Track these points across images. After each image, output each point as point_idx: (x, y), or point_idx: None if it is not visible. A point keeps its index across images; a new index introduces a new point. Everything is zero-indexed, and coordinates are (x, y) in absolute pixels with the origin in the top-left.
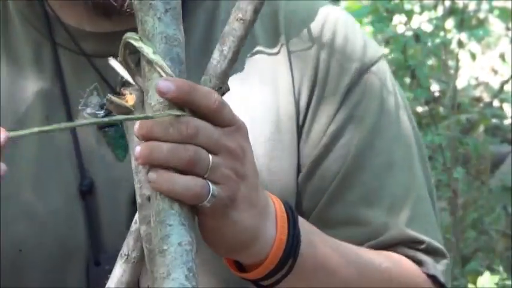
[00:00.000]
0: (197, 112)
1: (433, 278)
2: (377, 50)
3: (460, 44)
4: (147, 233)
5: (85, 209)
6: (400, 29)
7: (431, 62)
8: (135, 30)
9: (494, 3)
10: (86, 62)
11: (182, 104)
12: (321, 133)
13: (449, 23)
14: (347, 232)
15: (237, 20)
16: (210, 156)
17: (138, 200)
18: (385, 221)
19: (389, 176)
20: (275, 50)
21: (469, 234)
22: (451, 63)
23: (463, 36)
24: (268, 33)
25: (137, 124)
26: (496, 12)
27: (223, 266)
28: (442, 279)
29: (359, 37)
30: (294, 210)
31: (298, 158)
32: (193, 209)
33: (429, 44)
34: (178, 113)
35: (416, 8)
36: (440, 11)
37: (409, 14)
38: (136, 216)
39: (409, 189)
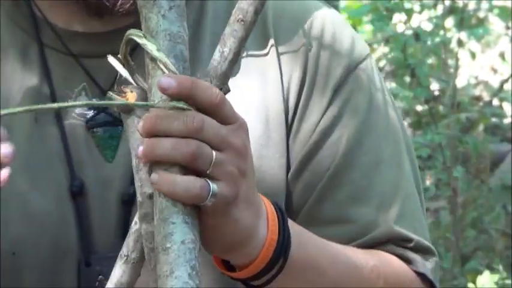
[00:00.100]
0: (200, 108)
1: (422, 275)
2: (365, 47)
3: (460, 43)
4: (148, 232)
5: (76, 210)
6: (400, 28)
7: (431, 60)
8: (124, 29)
9: (494, 2)
10: (74, 62)
11: (184, 99)
12: (310, 131)
13: (449, 22)
14: (336, 230)
15: (237, 21)
16: (214, 152)
17: (139, 198)
18: (374, 218)
19: (378, 174)
20: (264, 48)
21: (468, 233)
22: (450, 62)
23: (463, 35)
24: (256, 31)
25: (142, 121)
26: (496, 11)
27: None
28: (430, 277)
29: (347, 35)
30: (284, 210)
31: (287, 157)
32: (197, 207)
33: (429, 42)
34: (182, 105)
35: (416, 7)
36: (440, 9)
37: (409, 12)
38: (136, 216)
39: (397, 186)
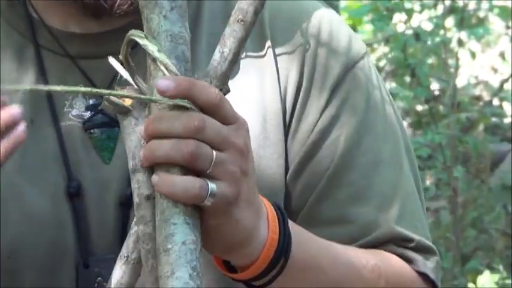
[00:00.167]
0: (200, 108)
1: (423, 275)
2: (362, 46)
3: (460, 43)
4: (145, 233)
5: (73, 211)
6: (400, 28)
7: (431, 60)
8: (121, 30)
9: (494, 2)
10: (71, 63)
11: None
12: (308, 131)
13: (449, 22)
14: (336, 230)
15: (237, 21)
16: (214, 152)
17: (136, 199)
18: (374, 218)
19: (377, 174)
20: (260, 49)
21: (469, 233)
22: (451, 61)
23: (463, 35)
24: (254, 33)
25: (143, 124)
26: (496, 10)
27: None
28: (432, 276)
29: (344, 33)
30: (284, 211)
31: (286, 158)
32: (197, 208)
33: (429, 42)
34: (185, 103)
35: (417, 7)
36: (440, 9)
37: (409, 12)
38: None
39: (397, 186)
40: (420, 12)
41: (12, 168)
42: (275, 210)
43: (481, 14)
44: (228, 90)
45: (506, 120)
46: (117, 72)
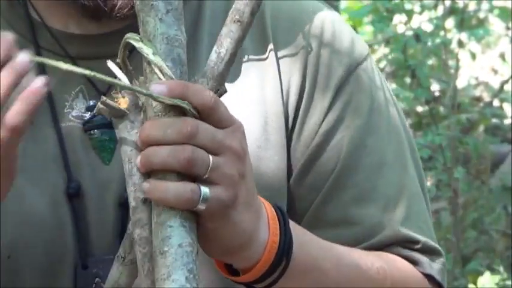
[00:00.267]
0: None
1: (429, 277)
2: (364, 47)
3: (460, 44)
4: (141, 237)
5: (72, 212)
6: (401, 29)
7: (431, 61)
8: (121, 31)
9: (494, 3)
10: (71, 64)
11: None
12: (312, 133)
13: (450, 23)
14: (341, 232)
15: (234, 21)
16: (211, 157)
17: (132, 203)
18: (380, 220)
19: (382, 175)
20: (262, 51)
21: (469, 234)
22: (451, 63)
23: (463, 36)
24: (255, 34)
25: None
26: (496, 11)
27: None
28: (438, 278)
29: (346, 35)
30: (285, 212)
31: (288, 161)
32: (194, 211)
33: (429, 43)
34: (183, 105)
35: (417, 8)
36: (440, 10)
37: (410, 13)
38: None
39: (402, 187)
40: (420, 13)
41: None
42: (276, 211)
43: (481, 15)
44: (225, 91)
45: (507, 122)
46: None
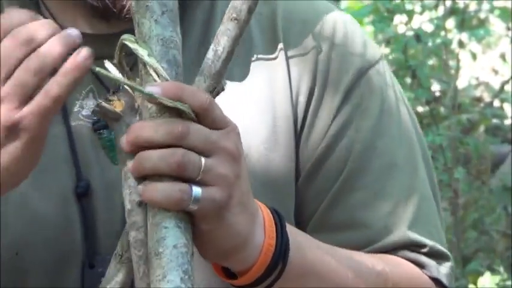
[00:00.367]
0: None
1: (436, 281)
2: (377, 50)
3: (461, 44)
4: (137, 239)
5: (81, 211)
6: (401, 29)
7: (432, 62)
8: (132, 31)
9: (495, 3)
10: None
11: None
12: (321, 135)
13: (450, 23)
14: (348, 235)
15: (231, 19)
16: (203, 159)
17: (128, 206)
18: (387, 224)
19: (391, 178)
20: (272, 52)
21: (469, 234)
22: (451, 63)
23: (464, 36)
24: (265, 35)
25: (125, 136)
26: (497, 12)
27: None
28: (445, 281)
29: (358, 38)
30: (282, 216)
31: (296, 162)
32: (189, 212)
33: (430, 44)
34: (182, 107)
35: (417, 8)
36: (441, 11)
37: (410, 14)
38: None
39: (412, 190)
40: (421, 13)
41: None
42: (273, 215)
43: (482, 15)
44: (223, 89)
45: (507, 122)
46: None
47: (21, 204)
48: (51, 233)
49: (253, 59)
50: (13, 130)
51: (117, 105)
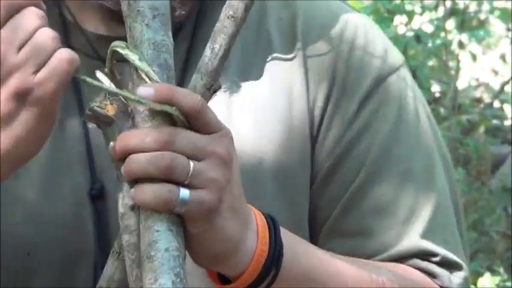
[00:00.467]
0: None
1: None
2: (397, 56)
3: (461, 45)
4: (130, 243)
5: (95, 213)
6: (401, 30)
7: (432, 62)
8: None
9: (495, 4)
10: (101, 66)
11: None
12: (336, 141)
13: (450, 24)
14: (359, 243)
15: (228, 17)
16: (191, 163)
17: (121, 209)
18: (399, 232)
19: (406, 186)
20: (291, 56)
21: (469, 235)
22: (451, 64)
23: (464, 37)
24: (285, 39)
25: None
26: (497, 13)
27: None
28: None
29: (379, 44)
30: (276, 222)
31: (311, 167)
32: (180, 215)
33: (430, 44)
34: (171, 110)
35: (417, 9)
36: (441, 11)
37: (410, 14)
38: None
39: (427, 198)
40: (421, 14)
41: (36, 167)
42: (267, 220)
43: (482, 16)
44: (219, 87)
45: (507, 123)
46: None
47: (36, 205)
48: (64, 234)
49: (271, 61)
50: (27, 98)
51: (110, 109)
